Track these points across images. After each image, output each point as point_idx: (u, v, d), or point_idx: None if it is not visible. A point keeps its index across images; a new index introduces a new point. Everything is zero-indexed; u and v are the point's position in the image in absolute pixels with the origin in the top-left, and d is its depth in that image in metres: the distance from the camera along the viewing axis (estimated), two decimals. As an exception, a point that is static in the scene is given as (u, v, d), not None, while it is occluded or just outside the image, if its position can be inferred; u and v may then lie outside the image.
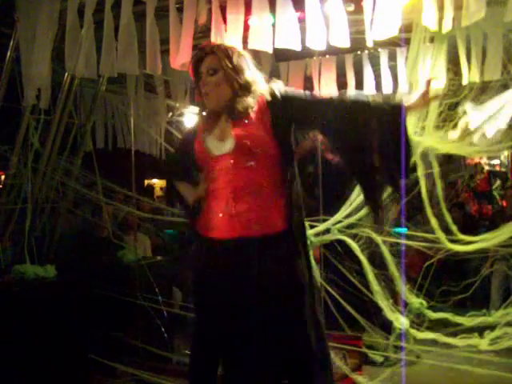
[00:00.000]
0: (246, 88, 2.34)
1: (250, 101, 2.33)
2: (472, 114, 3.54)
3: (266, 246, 2.27)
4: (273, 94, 2.35)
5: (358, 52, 5.08)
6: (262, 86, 2.38)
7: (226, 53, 2.36)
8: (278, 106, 2.33)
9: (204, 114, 2.50)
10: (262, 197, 2.31)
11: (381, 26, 3.21)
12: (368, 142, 2.20)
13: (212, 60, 2.36)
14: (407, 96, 2.56)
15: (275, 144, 2.33)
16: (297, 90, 2.43)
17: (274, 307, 2.25)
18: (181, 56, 3.54)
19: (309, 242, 2.73)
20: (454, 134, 3.47)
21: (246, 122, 2.32)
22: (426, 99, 2.24)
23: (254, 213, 2.28)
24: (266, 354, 2.28)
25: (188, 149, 2.49)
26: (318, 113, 2.31)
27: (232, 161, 2.31)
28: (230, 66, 2.33)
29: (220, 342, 2.36)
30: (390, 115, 2.17)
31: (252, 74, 2.38)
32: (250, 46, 3.38)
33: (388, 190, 2.36)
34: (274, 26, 3.40)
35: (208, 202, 2.39)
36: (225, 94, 2.35)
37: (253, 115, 2.33)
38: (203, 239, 2.40)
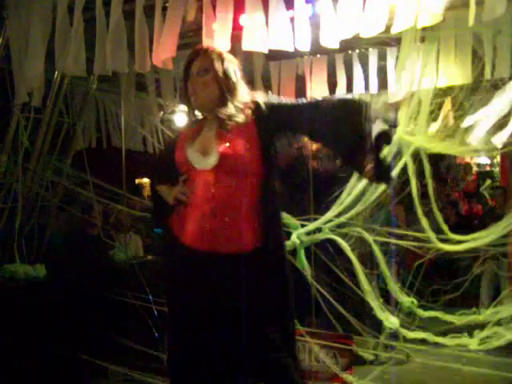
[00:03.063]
0: (233, 94, 2.34)
1: (235, 109, 2.32)
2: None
3: (234, 263, 2.27)
4: (258, 108, 2.34)
5: (349, 51, 5.08)
6: (246, 98, 2.37)
7: (218, 56, 2.37)
8: (263, 120, 2.32)
9: (187, 122, 2.54)
10: (238, 215, 2.30)
11: (369, 24, 3.22)
12: (356, 130, 2.20)
13: (203, 61, 2.35)
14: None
15: (259, 163, 2.32)
16: (281, 99, 2.42)
17: (235, 322, 2.25)
18: (162, 52, 3.52)
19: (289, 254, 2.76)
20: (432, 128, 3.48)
21: (231, 136, 2.30)
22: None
23: (227, 231, 2.28)
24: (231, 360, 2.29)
25: (169, 157, 2.47)
26: (305, 116, 2.32)
27: (213, 177, 2.29)
28: (220, 68, 2.34)
29: (190, 343, 2.35)
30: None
31: (238, 83, 2.38)
32: (245, 47, 3.38)
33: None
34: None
35: (186, 207, 2.39)
36: (212, 95, 2.34)
37: (238, 130, 2.31)
38: (176, 241, 2.40)
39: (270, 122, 2.33)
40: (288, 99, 2.41)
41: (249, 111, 2.34)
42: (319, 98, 2.42)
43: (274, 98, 2.42)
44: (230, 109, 2.32)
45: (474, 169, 10.15)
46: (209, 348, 2.29)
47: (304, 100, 2.40)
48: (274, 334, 2.29)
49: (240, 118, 2.32)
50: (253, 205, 2.33)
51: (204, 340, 2.29)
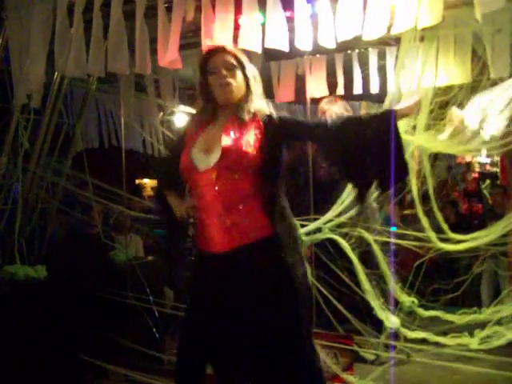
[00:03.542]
0: (256, 93, 2.42)
1: (258, 108, 2.39)
2: (468, 112, 3.54)
3: (261, 249, 2.31)
4: (270, 116, 2.39)
5: (349, 51, 5.09)
6: (259, 102, 2.43)
7: (241, 54, 2.44)
8: (273, 130, 2.36)
9: (194, 121, 2.52)
10: (250, 204, 2.33)
11: (371, 26, 3.22)
12: (363, 150, 2.24)
13: (229, 56, 2.40)
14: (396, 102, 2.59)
15: (262, 159, 2.33)
16: (292, 116, 2.47)
17: (268, 310, 2.28)
18: (169, 54, 3.53)
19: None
20: (443, 135, 3.47)
21: (238, 135, 2.33)
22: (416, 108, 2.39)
23: (247, 220, 2.32)
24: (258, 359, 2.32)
25: (177, 154, 2.48)
26: (313, 137, 2.42)
27: (216, 174, 2.31)
28: (247, 65, 2.42)
29: (212, 348, 2.40)
30: (381, 120, 2.24)
31: (259, 84, 2.46)
32: (240, 45, 3.38)
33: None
34: (263, 25, 3.40)
35: (200, 218, 2.40)
36: (241, 89, 2.39)
37: (247, 130, 2.35)
38: (202, 254, 2.43)
39: (279, 135, 2.37)
40: (300, 118, 2.48)
41: (260, 117, 2.39)
42: (331, 118, 2.48)
43: (285, 114, 2.45)
44: (253, 106, 2.39)
45: (476, 168, 10.14)
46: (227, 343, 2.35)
47: (315, 120, 2.46)
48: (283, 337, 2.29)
49: (252, 123, 2.37)
50: (260, 195, 2.34)
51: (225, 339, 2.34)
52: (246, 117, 2.36)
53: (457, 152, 4.49)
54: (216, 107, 2.45)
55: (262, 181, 2.34)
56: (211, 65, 2.39)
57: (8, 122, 4.58)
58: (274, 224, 2.33)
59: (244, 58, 2.42)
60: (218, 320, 2.35)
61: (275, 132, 2.36)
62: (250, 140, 2.32)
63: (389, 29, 3.24)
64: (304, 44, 3.38)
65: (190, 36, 3.87)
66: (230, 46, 2.50)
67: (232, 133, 2.34)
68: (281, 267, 2.30)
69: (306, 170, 4.13)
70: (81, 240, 5.31)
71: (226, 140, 2.32)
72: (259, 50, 3.41)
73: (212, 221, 2.34)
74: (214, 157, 2.32)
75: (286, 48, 3.39)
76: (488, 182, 8.52)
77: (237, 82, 2.37)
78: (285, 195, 2.44)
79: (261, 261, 2.29)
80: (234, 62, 2.38)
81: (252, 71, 2.43)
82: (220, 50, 2.42)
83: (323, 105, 4.55)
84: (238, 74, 2.38)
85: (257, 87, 2.44)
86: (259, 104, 2.42)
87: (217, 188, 2.30)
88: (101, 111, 6.63)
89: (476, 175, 9.78)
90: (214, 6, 3.48)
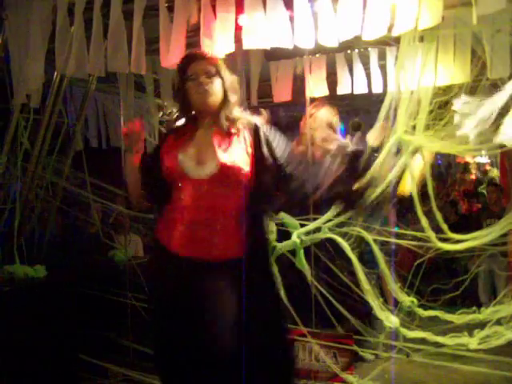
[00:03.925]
0: (234, 103, 2.44)
1: (233, 116, 2.42)
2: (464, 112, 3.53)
3: (223, 270, 2.33)
4: (256, 129, 2.43)
5: (348, 51, 5.09)
6: (237, 111, 2.47)
7: (222, 62, 2.48)
8: (260, 142, 2.41)
9: (174, 126, 2.55)
10: (228, 224, 2.35)
11: (370, 26, 3.22)
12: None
13: (209, 64, 2.42)
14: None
15: (251, 176, 2.38)
16: (277, 137, 2.49)
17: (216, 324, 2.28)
18: (173, 55, 3.53)
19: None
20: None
21: (230, 146, 2.36)
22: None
23: (217, 239, 2.33)
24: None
25: (154, 161, 2.48)
26: (278, 180, 2.44)
27: (208, 186, 2.33)
28: (226, 74, 2.44)
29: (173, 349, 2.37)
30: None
31: (237, 93, 2.48)
32: (245, 46, 3.38)
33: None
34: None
35: (174, 218, 2.40)
36: (218, 97, 2.40)
37: (236, 141, 2.39)
38: (164, 249, 2.41)
39: (263, 149, 2.41)
40: (283, 141, 2.49)
41: (247, 127, 2.43)
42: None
43: (271, 131, 2.49)
44: (233, 114, 2.42)
45: (473, 169, 10.14)
46: (195, 351, 2.29)
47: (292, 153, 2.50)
48: (261, 339, 2.31)
49: (239, 133, 2.40)
50: (242, 214, 2.38)
51: (189, 343, 2.30)
52: (226, 125, 2.38)
53: (457, 152, 4.49)
54: (194, 114, 2.47)
55: (249, 198, 2.39)
56: (190, 71, 2.41)
57: (8, 121, 4.57)
58: (248, 245, 2.36)
59: (224, 67, 2.45)
60: (179, 320, 2.34)
61: (264, 146, 2.41)
62: (244, 157, 2.36)
63: (389, 29, 3.24)
64: (304, 42, 3.37)
65: (190, 36, 3.87)
66: (210, 53, 2.55)
67: (226, 147, 2.36)
68: (236, 291, 2.31)
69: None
70: (79, 239, 5.32)
71: (223, 156, 2.34)
72: (267, 47, 3.40)
73: (184, 224, 2.35)
74: (208, 169, 2.33)
75: (290, 45, 3.38)
76: (486, 181, 8.55)
77: (215, 90, 2.39)
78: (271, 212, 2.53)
79: (218, 280, 2.32)
80: (214, 70, 2.40)
81: (231, 80, 2.45)
82: (200, 57, 2.45)
83: (310, 109, 4.52)
84: (217, 82, 2.40)
85: (235, 96, 2.46)
86: (237, 112, 2.45)
87: (205, 199, 2.33)
88: (100, 111, 6.64)
89: (473, 176, 9.79)
90: (213, 6, 3.48)
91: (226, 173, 2.32)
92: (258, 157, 2.40)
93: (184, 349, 2.31)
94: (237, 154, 2.36)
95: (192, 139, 2.43)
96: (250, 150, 2.39)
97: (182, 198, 2.37)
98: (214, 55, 2.55)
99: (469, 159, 9.66)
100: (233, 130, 2.40)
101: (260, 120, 2.51)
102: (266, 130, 2.46)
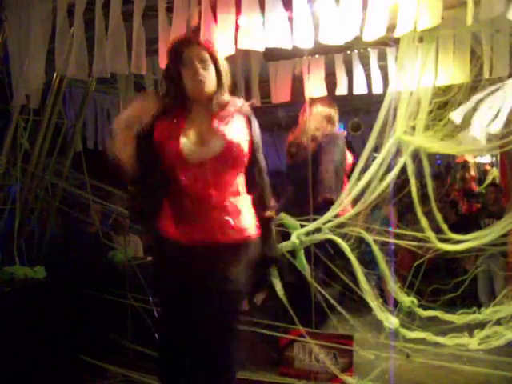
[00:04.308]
0: (226, 85, 2.47)
1: (228, 101, 2.45)
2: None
3: (241, 251, 2.37)
4: (248, 112, 2.50)
5: (348, 52, 5.08)
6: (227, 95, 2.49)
7: (214, 47, 2.48)
8: (250, 125, 2.48)
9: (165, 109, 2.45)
10: (237, 202, 2.38)
11: (370, 27, 3.23)
12: None
13: (203, 50, 2.41)
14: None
15: (248, 155, 2.44)
16: (256, 122, 2.54)
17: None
18: None
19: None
20: None
21: (228, 128, 2.38)
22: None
23: (234, 218, 2.35)
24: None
25: (147, 152, 2.38)
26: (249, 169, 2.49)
27: (211, 166, 2.33)
28: (218, 59, 2.45)
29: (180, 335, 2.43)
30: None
31: (228, 76, 2.51)
32: (240, 45, 3.37)
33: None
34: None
35: (177, 206, 2.37)
36: (213, 84, 2.41)
37: (232, 122, 2.41)
38: (168, 241, 2.39)
39: (252, 132, 2.49)
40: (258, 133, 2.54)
41: (238, 109, 2.47)
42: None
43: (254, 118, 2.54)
44: (226, 98, 2.44)
45: (472, 169, 10.10)
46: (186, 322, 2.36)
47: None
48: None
49: (236, 115, 2.44)
50: (245, 192, 2.44)
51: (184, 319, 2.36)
52: (218, 108, 2.40)
53: (456, 152, 4.49)
54: (186, 98, 2.43)
55: (250, 178, 2.45)
56: (185, 56, 2.39)
57: (7, 122, 4.57)
58: (253, 228, 2.42)
59: (216, 52, 2.46)
60: (184, 308, 2.36)
61: (253, 129, 2.48)
62: (243, 136, 2.41)
63: (389, 29, 3.24)
64: (304, 41, 3.37)
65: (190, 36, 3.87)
66: (203, 39, 2.59)
67: (226, 128, 2.38)
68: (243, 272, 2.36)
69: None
70: (79, 238, 5.32)
71: (227, 135, 2.35)
72: (261, 49, 3.40)
73: (195, 212, 2.32)
74: (211, 149, 2.33)
75: (288, 45, 3.38)
76: (486, 181, 8.53)
77: (209, 77, 2.39)
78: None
79: (236, 262, 2.34)
80: (208, 56, 2.40)
81: (223, 64, 2.47)
82: (194, 42, 2.44)
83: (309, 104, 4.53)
84: (211, 68, 2.41)
85: (227, 80, 2.48)
86: (227, 96, 2.47)
87: (211, 181, 2.32)
88: (98, 112, 6.64)
89: (473, 173, 9.74)
90: (212, 7, 3.47)
91: (231, 151, 2.34)
92: (250, 138, 2.45)
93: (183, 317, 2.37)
94: (237, 134, 2.39)
95: (188, 122, 2.41)
96: (245, 130, 2.44)
97: (185, 183, 2.34)
98: (202, 39, 2.57)
99: (469, 158, 9.62)
100: (226, 113, 2.41)
101: (247, 105, 2.53)
102: (252, 114, 2.52)
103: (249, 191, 2.48)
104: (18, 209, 4.64)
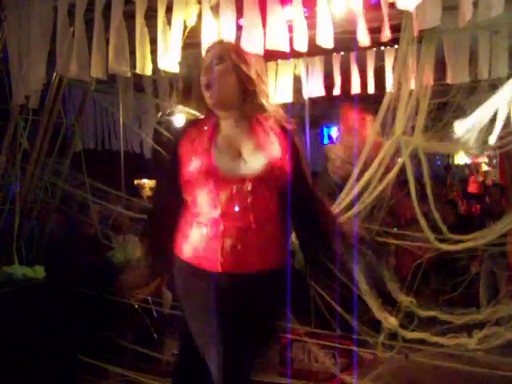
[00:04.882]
0: (255, 89, 2.08)
1: (261, 107, 2.09)
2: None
3: (270, 280, 2.09)
4: (290, 133, 2.13)
5: (343, 53, 5.10)
6: (273, 107, 2.15)
7: (234, 46, 2.20)
8: (294, 148, 2.11)
9: (188, 123, 2.28)
10: (275, 229, 2.09)
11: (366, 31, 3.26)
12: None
13: (219, 49, 2.11)
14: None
15: (288, 176, 2.09)
16: (304, 151, 2.23)
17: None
18: (170, 57, 3.53)
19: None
20: None
21: (270, 143, 2.06)
22: None
23: (268, 244, 2.06)
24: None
25: (172, 166, 2.12)
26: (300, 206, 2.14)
27: (251, 185, 2.01)
28: (237, 57, 2.07)
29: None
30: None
31: (260, 78, 2.11)
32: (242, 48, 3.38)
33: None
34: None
35: (201, 229, 2.06)
36: (231, 89, 2.06)
37: (274, 137, 2.09)
38: (189, 269, 2.10)
39: (296, 156, 2.12)
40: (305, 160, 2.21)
41: (280, 126, 2.13)
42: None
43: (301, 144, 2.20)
44: (258, 105, 2.08)
45: (482, 169, 10.09)
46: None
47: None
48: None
49: (276, 130, 2.10)
50: (280, 221, 2.11)
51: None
52: (252, 119, 2.09)
53: (455, 152, 4.49)
54: (210, 109, 2.14)
55: (285, 203, 2.08)
56: (202, 63, 2.10)
57: (7, 122, 4.57)
58: (281, 258, 2.13)
59: (240, 52, 2.11)
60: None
61: (297, 154, 2.12)
62: (284, 157, 2.07)
63: (385, 31, 3.26)
64: (301, 45, 3.40)
65: (191, 36, 3.87)
66: (227, 39, 2.28)
67: (268, 144, 2.06)
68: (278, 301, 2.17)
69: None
70: (78, 239, 5.32)
71: (269, 151, 2.04)
72: (261, 52, 3.41)
73: (229, 235, 2.00)
74: (250, 166, 2.02)
75: (287, 48, 3.40)
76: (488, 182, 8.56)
77: (224, 81, 2.05)
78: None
79: (266, 292, 2.08)
80: (223, 54, 2.07)
81: (252, 71, 2.07)
82: (212, 47, 2.14)
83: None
84: (226, 68, 2.05)
85: (259, 85, 2.09)
86: (266, 105, 2.11)
87: (249, 201, 2.00)
88: (98, 112, 6.64)
89: (481, 177, 9.73)
90: (212, 8, 3.49)
91: (273, 170, 2.01)
92: (292, 162, 2.09)
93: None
94: (276, 153, 2.05)
95: (219, 136, 2.10)
96: (286, 151, 2.08)
97: (215, 203, 2.01)
98: (225, 40, 2.23)
99: (471, 160, 9.64)
100: (265, 127, 2.09)
101: (292, 124, 2.18)
102: (298, 137, 2.16)
103: (306, 214, 2.17)
104: (17, 208, 4.64)
